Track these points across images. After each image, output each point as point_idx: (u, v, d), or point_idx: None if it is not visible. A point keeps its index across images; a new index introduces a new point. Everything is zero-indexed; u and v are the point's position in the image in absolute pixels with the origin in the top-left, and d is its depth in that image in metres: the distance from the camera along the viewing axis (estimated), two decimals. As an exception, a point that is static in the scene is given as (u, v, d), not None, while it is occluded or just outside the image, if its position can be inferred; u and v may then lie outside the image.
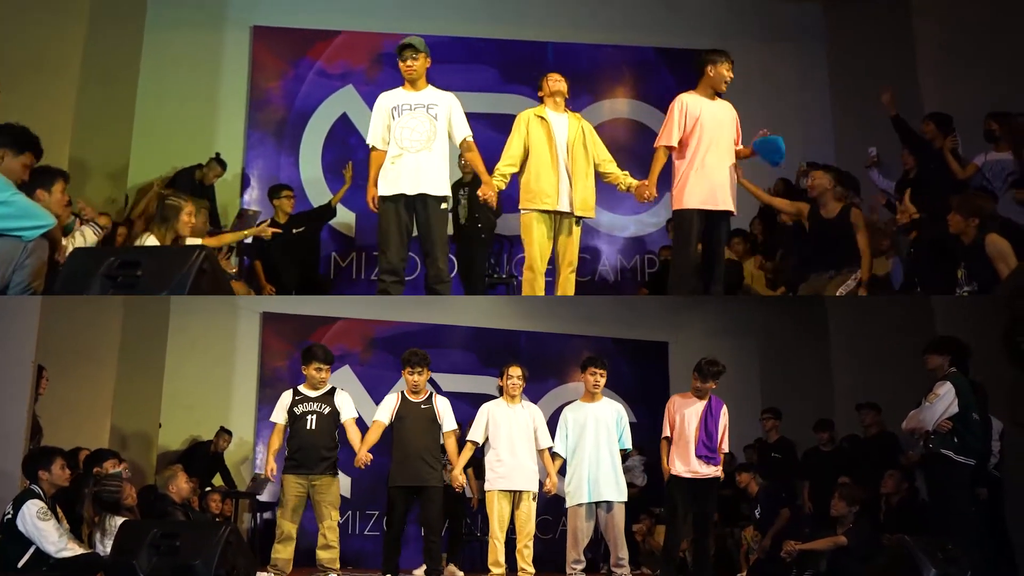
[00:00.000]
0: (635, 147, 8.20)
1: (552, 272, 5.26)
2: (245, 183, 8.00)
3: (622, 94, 8.57)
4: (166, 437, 7.35)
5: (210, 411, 7.48)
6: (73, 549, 4.43)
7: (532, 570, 4.95)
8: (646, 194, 5.19)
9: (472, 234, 6.94)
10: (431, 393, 5.20)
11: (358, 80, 8.29)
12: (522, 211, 5.16)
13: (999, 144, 5.96)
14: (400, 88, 5.09)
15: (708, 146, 5.04)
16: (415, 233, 4.99)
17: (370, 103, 8.13)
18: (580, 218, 5.17)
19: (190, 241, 4.84)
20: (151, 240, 4.68)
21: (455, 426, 5.15)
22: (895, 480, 5.62)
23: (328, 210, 7.36)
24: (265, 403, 7.21)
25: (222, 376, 7.71)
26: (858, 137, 7.65)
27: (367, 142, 5.10)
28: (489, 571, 4.98)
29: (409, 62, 4.99)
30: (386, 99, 5.06)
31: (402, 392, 5.18)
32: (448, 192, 5.01)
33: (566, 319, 8.17)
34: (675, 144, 5.09)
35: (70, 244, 5.03)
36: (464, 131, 5.04)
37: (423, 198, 4.87)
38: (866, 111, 7.82)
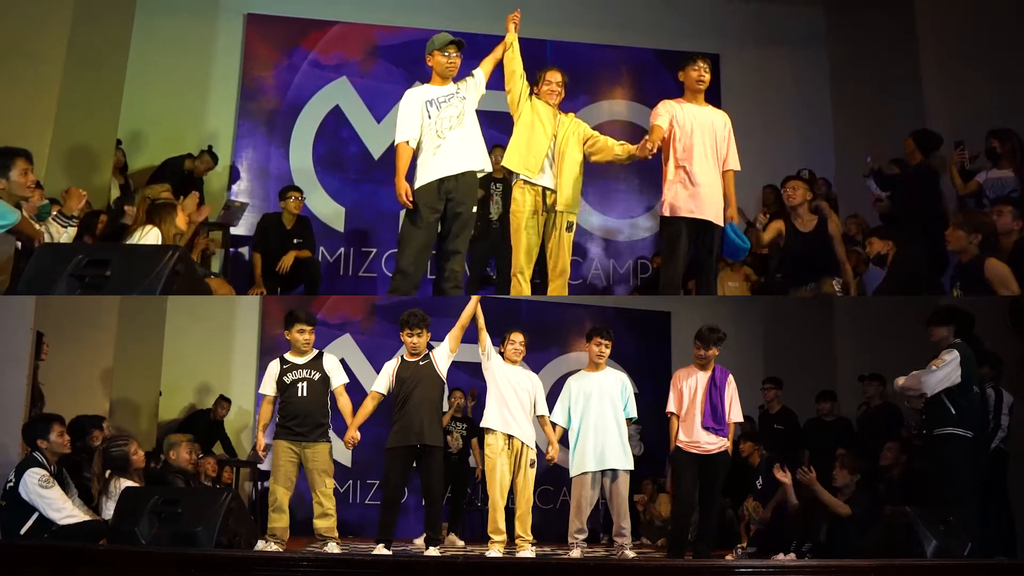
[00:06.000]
0: (631, 149, 8.11)
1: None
2: (233, 174, 7.85)
3: (620, 95, 8.47)
4: (166, 405, 7.31)
5: (210, 380, 7.49)
6: (78, 515, 4.38)
7: (530, 538, 4.86)
8: (649, 146, 4.82)
9: (503, 233, 6.83)
10: (428, 349, 5.03)
11: (352, 72, 8.18)
12: (514, 181, 5.06)
13: (1000, 162, 5.88)
14: (427, 85, 4.97)
15: (692, 153, 4.92)
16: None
17: (364, 96, 8.23)
18: (570, 223, 5.05)
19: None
20: (153, 233, 4.62)
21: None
22: (893, 452, 5.59)
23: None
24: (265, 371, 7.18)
25: (222, 344, 7.69)
26: (858, 144, 7.56)
27: (397, 139, 4.87)
28: (490, 539, 4.88)
29: (454, 58, 4.91)
30: (417, 95, 4.91)
31: (401, 355, 5.03)
32: (488, 165, 4.95)
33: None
34: (665, 128, 4.90)
35: (53, 231, 4.89)
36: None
37: (463, 176, 4.80)
38: (867, 118, 7.74)
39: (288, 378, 4.93)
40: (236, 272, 7.26)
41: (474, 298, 5.03)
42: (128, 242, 4.54)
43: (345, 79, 8.15)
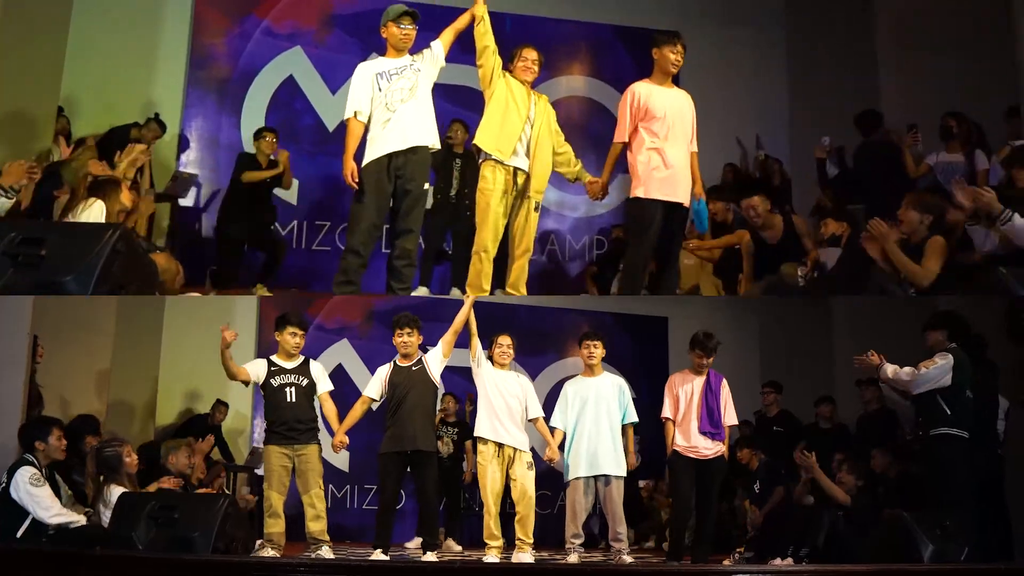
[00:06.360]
0: (588, 126, 8.09)
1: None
2: (182, 144, 7.64)
3: (578, 71, 8.41)
4: (163, 409, 7.23)
5: (207, 384, 7.31)
6: (67, 515, 4.35)
7: (531, 541, 4.85)
8: (599, 194, 5.14)
9: (460, 208, 6.76)
10: (421, 354, 5.00)
11: (306, 42, 7.99)
12: (482, 160, 5.01)
13: (951, 144, 5.94)
14: (381, 57, 4.87)
15: (665, 133, 4.93)
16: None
17: (319, 66, 8.05)
18: (537, 204, 5.06)
19: None
20: (97, 207, 4.51)
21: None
22: (882, 459, 5.60)
23: (281, 180, 7.07)
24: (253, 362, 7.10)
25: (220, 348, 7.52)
26: (813, 126, 7.59)
27: (346, 114, 4.78)
28: (487, 545, 4.86)
29: (408, 29, 4.79)
30: (368, 67, 4.80)
31: (394, 360, 4.99)
32: (437, 142, 4.83)
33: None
34: (627, 140, 4.99)
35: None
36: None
37: (413, 151, 4.68)
38: (822, 100, 7.78)
39: (276, 381, 4.87)
40: (184, 245, 7.08)
41: (468, 302, 4.96)
42: (71, 217, 4.41)
43: (299, 49, 7.96)
